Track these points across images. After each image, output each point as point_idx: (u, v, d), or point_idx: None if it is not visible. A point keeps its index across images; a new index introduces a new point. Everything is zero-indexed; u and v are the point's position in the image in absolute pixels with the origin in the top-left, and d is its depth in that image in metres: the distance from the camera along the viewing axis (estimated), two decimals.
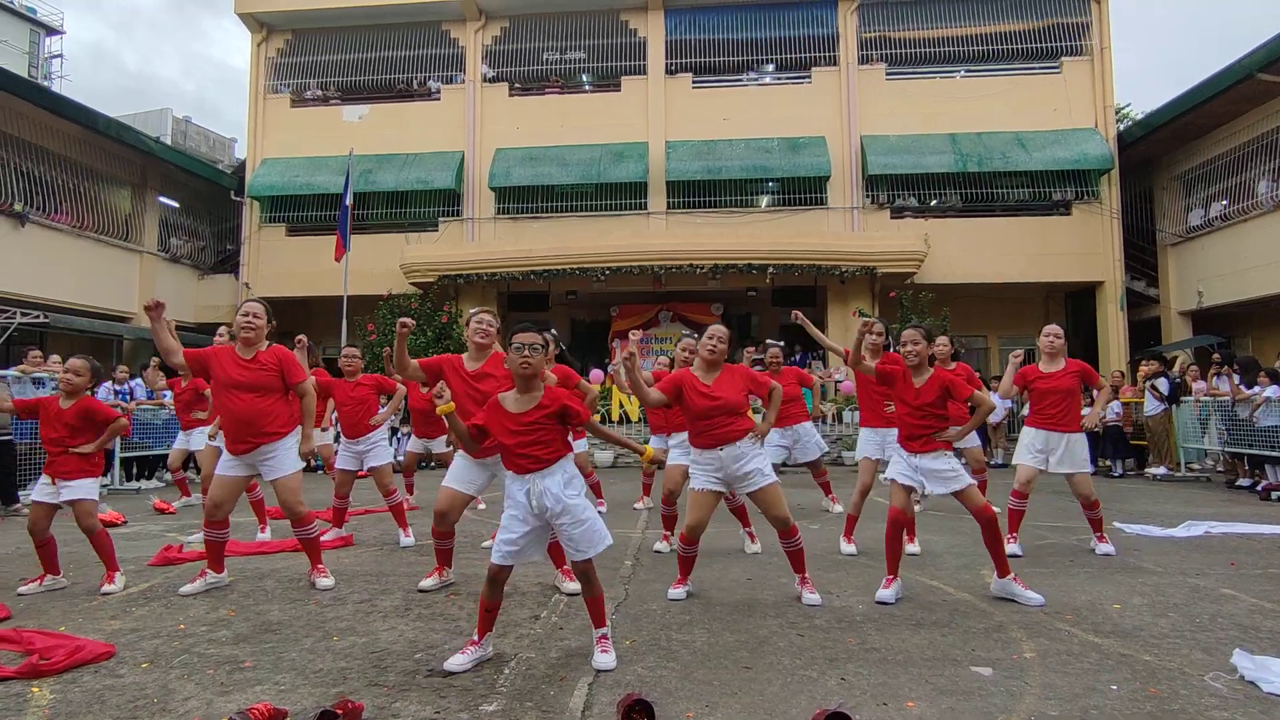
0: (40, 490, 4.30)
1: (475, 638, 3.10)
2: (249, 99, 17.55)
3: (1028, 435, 5.32)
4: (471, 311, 4.44)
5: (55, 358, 9.44)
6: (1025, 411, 5.69)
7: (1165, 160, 15.79)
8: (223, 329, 5.82)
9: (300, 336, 6.07)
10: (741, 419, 3.97)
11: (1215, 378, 10.24)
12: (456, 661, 2.99)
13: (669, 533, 5.42)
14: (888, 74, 16.32)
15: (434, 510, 4.17)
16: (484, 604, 3.08)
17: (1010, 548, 5.16)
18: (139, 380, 10.19)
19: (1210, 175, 14.71)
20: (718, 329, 4.07)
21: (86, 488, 4.30)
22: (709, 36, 16.82)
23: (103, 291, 14.69)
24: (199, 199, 17.97)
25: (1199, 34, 53.79)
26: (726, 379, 3.99)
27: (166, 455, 10.26)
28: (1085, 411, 5.51)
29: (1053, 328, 5.34)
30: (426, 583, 4.32)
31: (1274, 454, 8.68)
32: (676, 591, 4.08)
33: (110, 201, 15.43)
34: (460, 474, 4.14)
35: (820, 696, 2.69)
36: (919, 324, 4.30)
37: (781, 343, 7.05)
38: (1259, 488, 8.64)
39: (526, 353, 3.02)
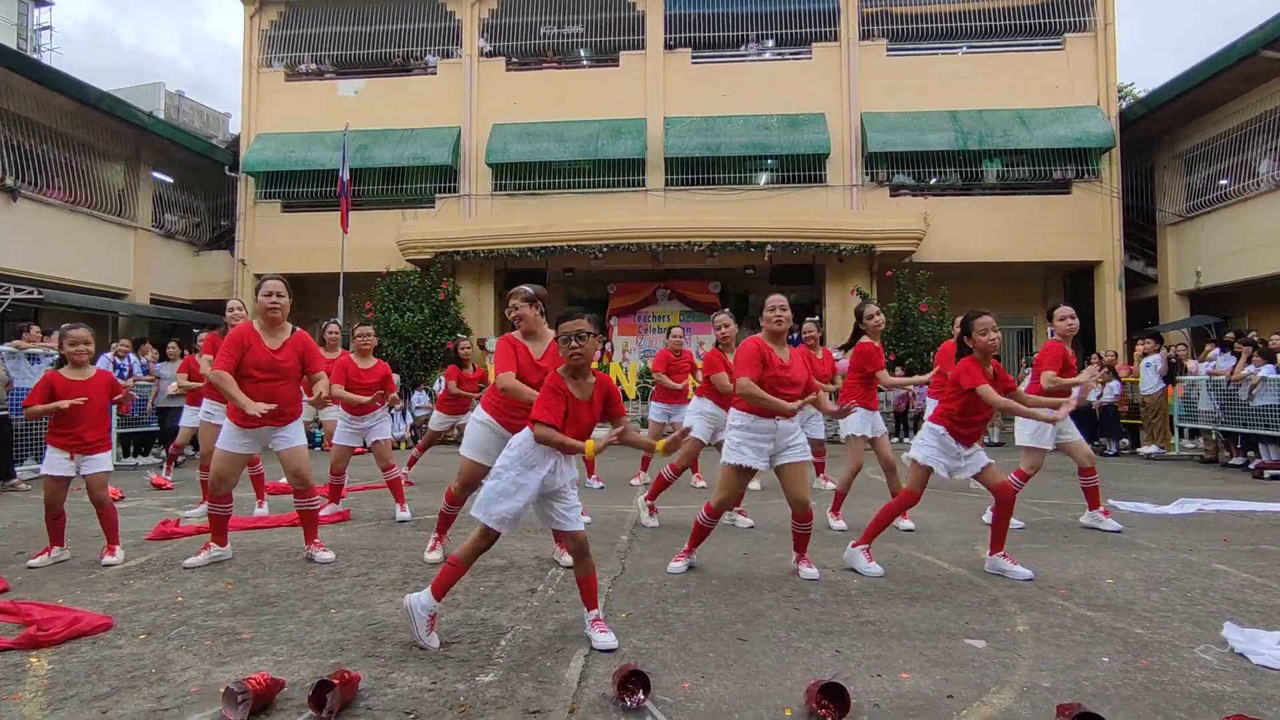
0: (54, 465, 4.28)
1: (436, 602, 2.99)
2: (242, 73, 17.32)
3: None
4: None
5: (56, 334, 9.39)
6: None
7: (1167, 139, 15.69)
8: (233, 304, 5.78)
9: (332, 326, 6.21)
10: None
11: (1214, 354, 10.22)
12: (434, 639, 2.95)
13: (653, 502, 5.47)
14: (889, 50, 16.14)
15: (459, 481, 4.15)
16: (463, 569, 2.99)
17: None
18: (134, 356, 10.16)
19: (1212, 154, 14.62)
20: (780, 299, 3.97)
21: (103, 461, 4.38)
22: (708, 11, 16.60)
23: (97, 267, 14.61)
24: (193, 175, 17.81)
25: (1205, 10, 53.23)
26: (796, 359, 3.98)
27: (163, 432, 10.30)
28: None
29: (1068, 309, 5.30)
30: (431, 556, 4.35)
31: (1268, 433, 8.71)
32: (677, 565, 4.10)
33: (103, 176, 15.28)
34: (477, 444, 4.09)
35: (815, 668, 2.71)
36: (987, 311, 4.12)
37: (816, 317, 7.06)
38: (1251, 466, 8.70)
39: (574, 343, 2.92)
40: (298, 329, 4.44)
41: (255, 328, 4.33)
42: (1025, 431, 5.24)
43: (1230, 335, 10.50)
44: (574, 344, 2.92)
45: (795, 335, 15.38)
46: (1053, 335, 5.33)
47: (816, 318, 7.03)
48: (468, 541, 2.99)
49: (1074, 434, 5.25)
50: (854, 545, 4.14)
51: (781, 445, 3.92)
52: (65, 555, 4.37)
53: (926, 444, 4.09)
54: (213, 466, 4.35)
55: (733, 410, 4.02)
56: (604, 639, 2.93)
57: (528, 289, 4.15)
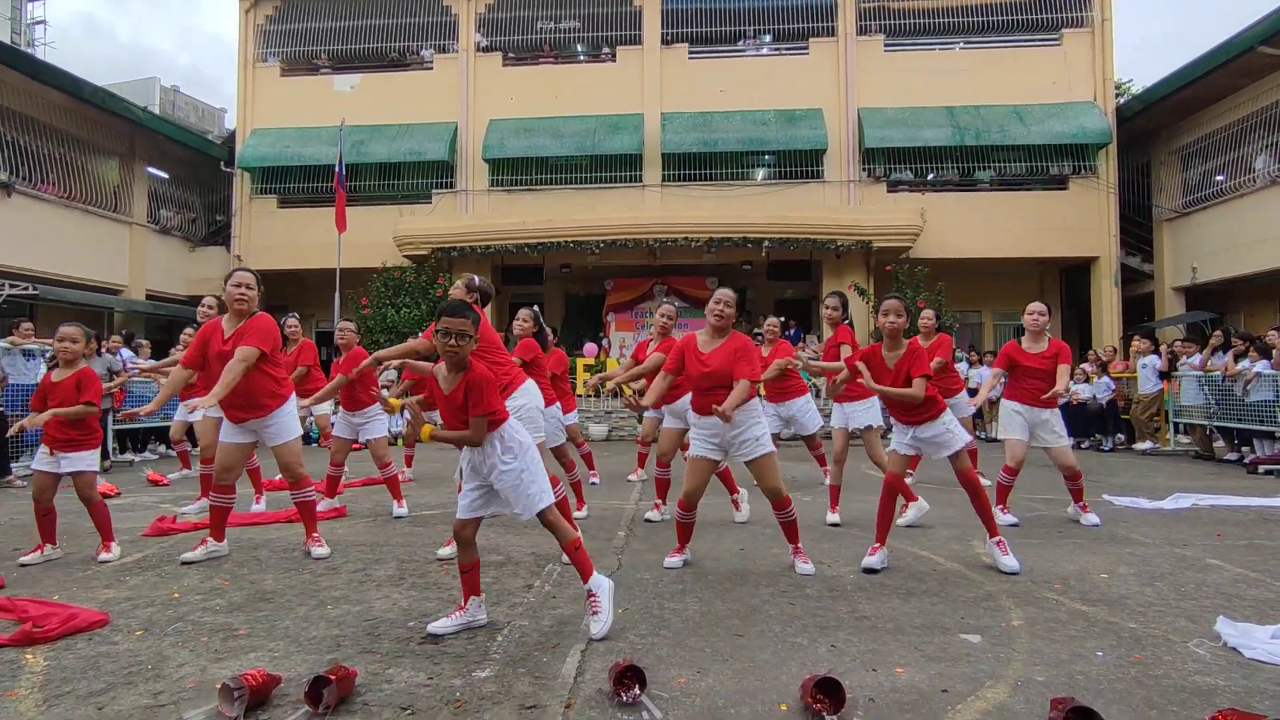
0: (40, 460, 4.28)
1: (461, 603, 3.14)
2: (237, 68, 17.25)
3: (1011, 408, 5.28)
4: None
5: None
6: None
7: (1163, 135, 15.70)
8: (208, 299, 5.77)
9: (289, 320, 6.19)
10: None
11: (1214, 353, 10.24)
12: (440, 624, 3.04)
13: (661, 501, 5.47)
14: (886, 45, 16.12)
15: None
16: (460, 567, 3.15)
17: (1006, 518, 5.23)
18: (127, 350, 10.13)
19: (1208, 150, 14.64)
20: (725, 293, 4.02)
21: (86, 460, 4.30)
22: (706, 6, 16.56)
23: (92, 263, 14.54)
24: (189, 170, 17.73)
25: (1203, 7, 53.23)
26: (724, 348, 3.96)
27: (159, 428, 10.27)
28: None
29: (1037, 305, 5.31)
30: (444, 551, 4.36)
31: (1263, 428, 8.75)
32: (673, 560, 4.12)
33: (98, 172, 15.21)
34: None
35: (810, 663, 2.72)
36: (899, 295, 4.26)
37: (782, 317, 7.09)
38: (1246, 461, 8.73)
39: (453, 340, 2.95)
40: (255, 314, 4.32)
41: (223, 322, 4.34)
42: (1001, 424, 5.41)
43: (1218, 333, 10.49)
44: (452, 341, 2.95)
45: (794, 331, 15.42)
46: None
47: (782, 317, 7.12)
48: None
49: (1057, 440, 5.21)
50: (872, 545, 4.16)
51: (729, 441, 3.97)
52: (56, 554, 4.35)
53: (895, 429, 4.31)
54: (216, 458, 4.40)
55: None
56: (591, 624, 3.02)
57: (474, 278, 4.31)
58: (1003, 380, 5.50)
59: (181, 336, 7.19)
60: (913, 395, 3.96)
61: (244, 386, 4.17)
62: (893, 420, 4.32)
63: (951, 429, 4.13)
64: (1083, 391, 11.28)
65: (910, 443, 4.23)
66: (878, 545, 4.08)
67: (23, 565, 4.16)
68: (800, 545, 4.06)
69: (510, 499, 3.07)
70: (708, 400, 3.90)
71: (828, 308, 5.52)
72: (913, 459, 5.25)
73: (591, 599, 3.06)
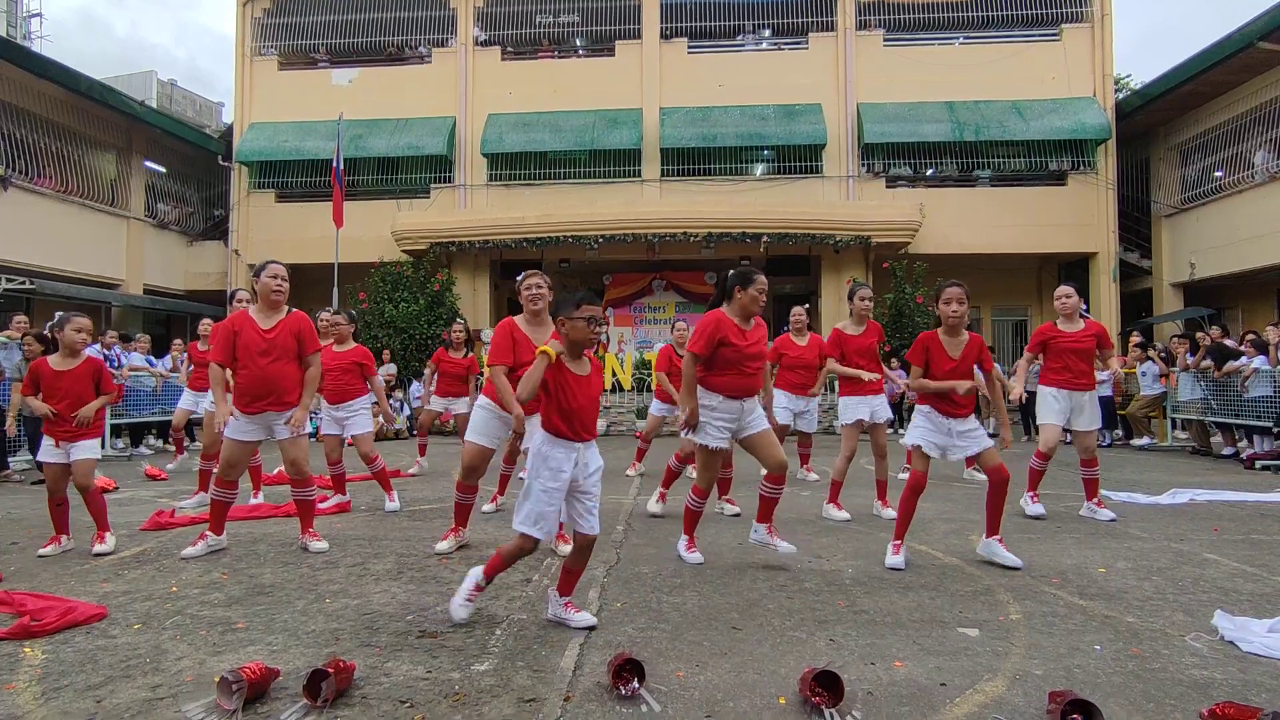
0: (48, 452, 4.30)
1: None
2: (235, 61, 17.17)
3: (1050, 395, 5.31)
4: (520, 277, 4.36)
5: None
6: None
7: (1162, 131, 15.69)
8: (242, 292, 5.73)
9: (334, 315, 6.20)
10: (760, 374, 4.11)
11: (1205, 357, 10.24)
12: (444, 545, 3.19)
13: (666, 490, 5.48)
14: (885, 40, 16.09)
15: (463, 465, 4.26)
16: (500, 559, 3.08)
17: (1035, 508, 5.29)
18: (118, 347, 10.11)
19: (1207, 146, 14.63)
20: (765, 280, 4.03)
21: (91, 447, 4.39)
22: (705, 0, 16.50)
23: (90, 257, 14.50)
24: (186, 164, 17.67)
25: (1202, 2, 53.10)
26: (758, 331, 4.03)
27: (156, 422, 10.27)
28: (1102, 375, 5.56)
29: (1064, 288, 5.35)
30: (442, 545, 4.34)
31: (1261, 424, 8.76)
32: (694, 556, 4.09)
33: (95, 166, 15.16)
34: (482, 428, 4.27)
35: (809, 656, 2.72)
36: (959, 282, 4.08)
37: (806, 305, 7.07)
38: (1243, 457, 8.75)
39: (596, 326, 3.06)
40: (294, 310, 4.48)
41: (251, 313, 4.35)
42: (1038, 409, 5.47)
43: (1204, 337, 10.42)
44: (597, 327, 3.06)
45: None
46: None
47: (806, 305, 7.06)
48: (511, 543, 3.06)
49: (1089, 424, 5.31)
50: (892, 543, 4.07)
51: (744, 424, 3.98)
52: (71, 545, 4.37)
53: (916, 425, 4.15)
54: (222, 454, 4.38)
55: (701, 390, 4.02)
56: (581, 617, 3.03)
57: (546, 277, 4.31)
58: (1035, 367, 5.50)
59: (200, 329, 7.01)
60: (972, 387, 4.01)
61: (277, 378, 4.25)
62: (928, 416, 4.09)
63: (979, 426, 4.09)
64: None
65: (941, 440, 4.03)
66: (899, 543, 4.03)
67: (40, 557, 4.19)
68: (773, 525, 4.05)
69: (589, 511, 3.10)
70: (743, 381, 3.91)
71: (864, 299, 5.41)
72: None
73: (570, 605, 3.08)
